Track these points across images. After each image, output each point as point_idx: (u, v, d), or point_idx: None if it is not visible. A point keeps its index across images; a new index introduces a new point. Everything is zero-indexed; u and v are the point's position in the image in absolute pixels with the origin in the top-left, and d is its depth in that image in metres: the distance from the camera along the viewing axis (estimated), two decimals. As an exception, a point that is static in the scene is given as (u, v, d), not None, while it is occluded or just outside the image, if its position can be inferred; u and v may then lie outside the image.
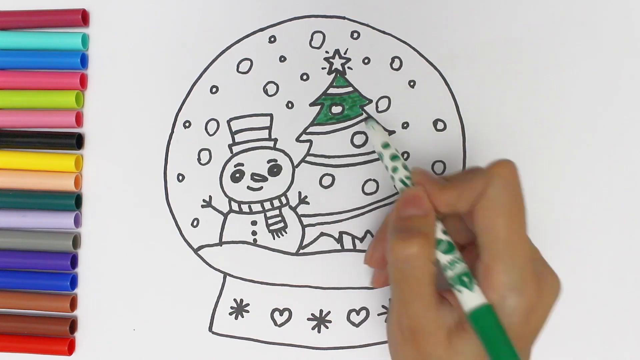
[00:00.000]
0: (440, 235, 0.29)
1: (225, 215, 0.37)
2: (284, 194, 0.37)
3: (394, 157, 0.33)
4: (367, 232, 0.37)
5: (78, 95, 0.38)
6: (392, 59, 0.37)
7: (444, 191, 0.29)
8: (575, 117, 0.37)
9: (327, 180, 0.37)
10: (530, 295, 0.26)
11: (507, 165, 0.28)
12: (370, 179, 0.37)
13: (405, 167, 0.32)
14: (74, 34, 0.38)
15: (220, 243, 0.37)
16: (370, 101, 0.37)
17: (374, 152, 0.37)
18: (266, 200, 0.37)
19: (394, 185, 0.32)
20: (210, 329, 0.37)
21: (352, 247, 0.37)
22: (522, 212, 0.28)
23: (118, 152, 0.38)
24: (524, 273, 0.27)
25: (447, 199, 0.29)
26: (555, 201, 0.36)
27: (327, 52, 0.38)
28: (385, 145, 0.33)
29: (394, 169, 0.32)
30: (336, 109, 0.37)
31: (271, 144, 0.37)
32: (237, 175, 0.37)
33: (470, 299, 0.27)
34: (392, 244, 0.28)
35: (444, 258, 0.28)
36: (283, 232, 0.37)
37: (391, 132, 0.37)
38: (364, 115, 0.37)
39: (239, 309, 0.37)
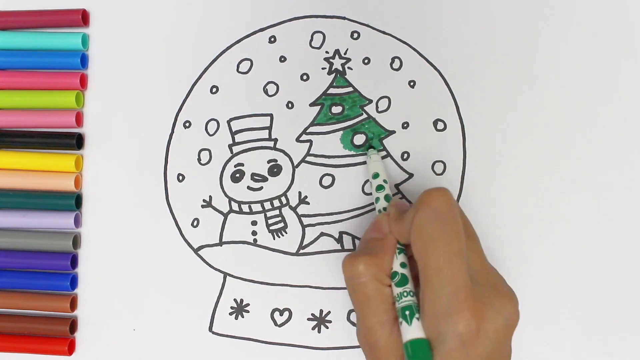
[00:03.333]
0: (396, 267, 0.30)
1: (226, 215, 0.37)
2: (284, 194, 0.37)
3: (379, 188, 0.34)
4: (367, 232, 0.37)
5: (78, 95, 0.38)
6: (392, 59, 0.37)
7: (396, 222, 0.31)
8: (575, 117, 0.37)
9: (327, 180, 0.37)
10: (464, 322, 0.26)
11: (434, 193, 0.29)
12: (370, 179, 0.37)
13: (387, 198, 0.34)
14: (74, 34, 0.38)
15: (221, 243, 0.37)
16: (370, 101, 0.37)
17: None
18: (266, 200, 0.37)
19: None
20: (210, 329, 0.37)
21: (352, 247, 0.37)
22: (453, 239, 0.27)
23: (118, 152, 0.38)
24: (457, 298, 0.26)
25: (398, 230, 0.31)
26: (555, 201, 0.36)
27: (327, 52, 0.38)
28: (375, 176, 0.35)
29: (376, 199, 0.34)
30: (336, 109, 0.37)
31: (271, 144, 0.37)
32: (237, 175, 0.37)
33: (407, 332, 0.28)
34: (343, 262, 0.30)
35: (395, 290, 0.29)
36: (283, 232, 0.37)
37: (391, 132, 0.37)
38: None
39: (239, 309, 0.37)
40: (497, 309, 0.27)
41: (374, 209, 0.37)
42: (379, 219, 0.32)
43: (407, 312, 0.28)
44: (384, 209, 0.33)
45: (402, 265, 0.30)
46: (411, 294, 0.29)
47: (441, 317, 0.26)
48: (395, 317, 0.29)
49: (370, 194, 0.37)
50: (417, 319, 0.28)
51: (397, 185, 0.37)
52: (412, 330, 0.27)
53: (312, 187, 0.37)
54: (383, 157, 0.37)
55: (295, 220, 0.37)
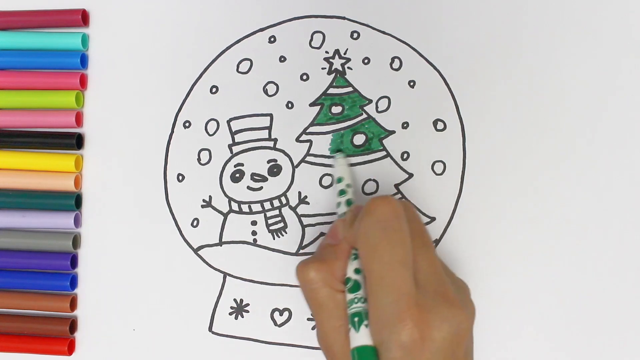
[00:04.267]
0: (350, 273, 0.30)
1: (225, 215, 0.37)
2: (284, 194, 0.37)
3: (341, 193, 0.34)
4: (367, 232, 0.37)
5: (78, 95, 0.38)
6: (392, 59, 0.37)
7: (348, 229, 0.31)
8: (574, 116, 0.37)
9: (327, 180, 0.37)
10: (406, 331, 0.26)
11: (379, 202, 0.29)
12: (370, 179, 0.37)
13: (348, 203, 0.34)
14: (74, 34, 0.38)
15: (220, 243, 0.37)
16: (370, 101, 0.37)
17: (374, 152, 0.37)
18: (266, 200, 0.37)
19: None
20: (210, 329, 0.37)
21: (352, 247, 0.37)
22: (397, 247, 0.27)
23: (118, 152, 0.38)
24: (399, 307, 0.26)
25: (349, 236, 0.30)
26: (555, 201, 0.36)
27: (327, 52, 0.38)
28: (339, 180, 0.35)
29: (338, 204, 0.34)
30: (336, 109, 0.37)
31: (271, 144, 0.37)
32: (237, 175, 0.37)
33: (355, 338, 0.27)
34: (296, 268, 0.30)
35: (348, 296, 0.29)
36: (283, 232, 0.37)
37: (391, 132, 0.37)
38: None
39: (239, 309, 0.37)
40: (445, 318, 0.26)
41: (373, 209, 0.37)
42: (335, 225, 0.32)
43: (355, 319, 0.28)
44: (344, 214, 0.33)
45: (356, 271, 0.30)
46: (362, 300, 0.28)
47: (384, 326, 0.26)
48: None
49: (371, 193, 0.37)
50: (366, 325, 0.27)
51: (396, 185, 0.37)
52: (359, 337, 0.27)
53: (312, 187, 0.37)
54: (383, 157, 0.37)
55: (295, 220, 0.37)
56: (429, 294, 0.27)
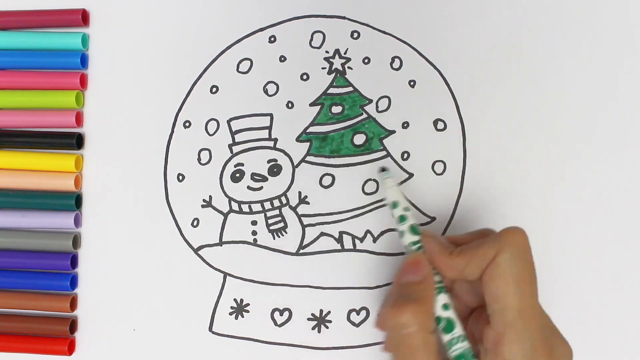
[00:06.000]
0: (439, 311, 0.29)
1: (226, 215, 0.37)
2: (284, 194, 0.37)
3: (401, 219, 0.32)
4: (367, 232, 0.37)
5: (78, 95, 0.38)
6: (392, 59, 0.37)
7: (452, 257, 0.29)
8: (575, 116, 0.37)
9: (327, 180, 0.37)
10: None
11: (519, 234, 0.28)
12: (370, 179, 0.37)
13: (414, 230, 0.31)
14: (74, 34, 0.38)
15: (221, 243, 0.37)
16: (370, 101, 0.37)
17: (374, 151, 0.37)
18: (266, 200, 0.37)
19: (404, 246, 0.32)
20: (210, 329, 0.37)
21: (352, 247, 0.37)
22: (533, 281, 0.28)
23: (118, 152, 0.38)
24: (536, 343, 0.26)
25: (455, 265, 0.29)
26: (555, 201, 0.36)
27: (327, 52, 0.38)
28: (394, 205, 0.32)
29: (401, 233, 0.32)
30: (336, 109, 0.37)
31: (271, 144, 0.37)
32: (237, 175, 0.37)
33: None
34: (387, 311, 0.28)
35: (444, 337, 0.28)
36: (283, 232, 0.37)
37: (391, 132, 0.37)
38: (380, 163, 0.36)
39: (239, 309, 0.37)
40: (562, 353, 0.28)
41: (374, 209, 0.37)
42: (416, 259, 0.30)
43: None
44: (413, 242, 0.31)
45: (445, 307, 0.28)
46: (461, 339, 0.28)
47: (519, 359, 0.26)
48: None
49: (371, 193, 0.37)
50: None
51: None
52: None
53: (312, 187, 0.37)
54: (383, 157, 0.37)
55: (295, 220, 0.37)
56: (546, 329, 0.28)
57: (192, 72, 0.38)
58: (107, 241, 0.38)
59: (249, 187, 0.37)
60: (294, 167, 0.37)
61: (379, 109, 0.37)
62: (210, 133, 0.38)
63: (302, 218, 0.37)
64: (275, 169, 0.37)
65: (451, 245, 0.30)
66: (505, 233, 0.28)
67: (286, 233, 0.37)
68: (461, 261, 0.29)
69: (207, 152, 0.38)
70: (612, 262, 0.36)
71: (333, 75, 0.38)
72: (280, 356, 0.36)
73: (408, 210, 0.32)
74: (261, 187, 0.37)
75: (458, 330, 0.28)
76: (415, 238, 0.31)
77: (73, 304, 0.37)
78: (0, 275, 0.37)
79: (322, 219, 0.37)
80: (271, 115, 0.38)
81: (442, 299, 0.29)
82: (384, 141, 0.37)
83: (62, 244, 0.37)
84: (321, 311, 0.36)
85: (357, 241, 0.37)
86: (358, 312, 0.36)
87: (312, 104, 0.38)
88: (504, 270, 0.27)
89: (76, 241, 0.38)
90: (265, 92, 0.38)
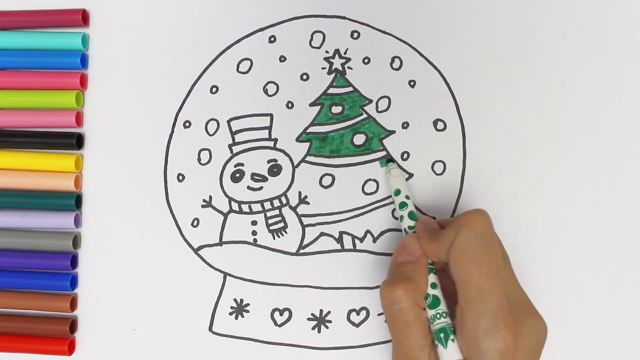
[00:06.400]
0: (428, 289, 0.30)
1: (226, 215, 0.37)
2: (284, 194, 0.37)
3: (402, 205, 0.34)
4: (367, 232, 0.37)
5: (78, 95, 0.38)
6: (392, 59, 0.37)
7: (430, 242, 0.31)
8: (575, 116, 0.37)
9: (327, 180, 0.37)
10: (504, 339, 0.27)
11: (476, 214, 0.30)
12: (370, 179, 0.37)
13: (411, 216, 0.34)
14: (74, 34, 0.38)
15: (221, 243, 0.37)
16: (370, 101, 0.37)
17: (374, 151, 0.37)
18: (266, 200, 0.37)
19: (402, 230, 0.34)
20: (210, 329, 0.37)
21: (352, 247, 0.37)
22: (493, 259, 0.29)
23: (118, 152, 0.38)
24: (497, 317, 0.27)
25: (431, 249, 0.31)
26: (555, 200, 0.36)
27: (327, 52, 0.38)
28: (397, 192, 0.35)
29: (401, 218, 0.34)
30: (336, 109, 0.37)
31: (271, 144, 0.37)
32: (237, 175, 0.37)
33: (444, 355, 0.28)
34: (381, 289, 0.30)
35: (429, 312, 0.30)
36: (283, 232, 0.37)
37: (391, 132, 0.37)
38: (382, 155, 0.37)
39: (239, 309, 0.37)
40: (532, 328, 0.28)
41: (374, 209, 0.37)
42: (408, 241, 0.32)
43: (441, 335, 0.29)
44: (410, 227, 0.33)
45: (433, 286, 0.30)
46: (444, 315, 0.29)
47: (483, 335, 0.27)
48: (432, 339, 0.29)
49: (371, 193, 0.37)
50: (453, 340, 0.28)
51: (397, 185, 0.37)
52: (449, 353, 0.28)
53: (312, 187, 0.37)
54: (383, 158, 0.37)
55: (295, 220, 0.37)
56: (516, 305, 0.29)
57: (192, 72, 0.38)
58: (107, 241, 0.38)
59: (249, 187, 0.37)
60: (294, 167, 0.37)
61: (379, 109, 0.37)
62: (210, 133, 0.38)
63: (302, 218, 0.37)
64: (275, 169, 0.37)
65: (436, 230, 0.32)
66: (463, 216, 0.30)
67: (286, 233, 0.37)
68: (435, 245, 0.31)
69: (207, 152, 0.38)
70: (613, 261, 0.36)
71: (333, 75, 0.38)
72: (280, 356, 0.36)
73: (409, 198, 0.34)
74: (261, 187, 0.37)
75: (442, 307, 0.30)
76: (412, 223, 0.33)
77: (73, 304, 0.37)
78: (0, 275, 0.37)
79: (322, 219, 0.37)
80: (271, 115, 0.38)
81: (432, 278, 0.31)
82: (384, 141, 0.37)
83: (62, 244, 0.37)
84: (321, 311, 0.36)
85: (357, 241, 0.37)
86: (358, 312, 0.36)
87: (312, 104, 0.38)
88: (461, 251, 0.29)
89: (76, 241, 0.38)
90: (265, 92, 0.38)
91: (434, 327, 0.29)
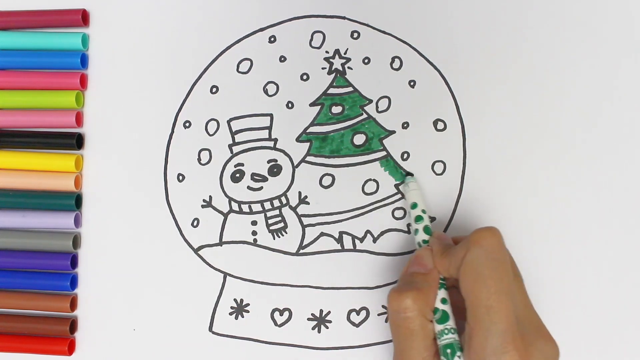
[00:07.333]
0: (438, 303, 0.30)
1: (226, 215, 0.37)
2: (284, 194, 0.37)
3: (418, 219, 0.34)
4: (367, 232, 0.37)
5: (78, 95, 0.38)
6: (392, 59, 0.37)
7: (442, 257, 0.31)
8: (575, 116, 0.37)
9: (327, 180, 0.37)
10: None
11: (486, 233, 0.30)
12: (370, 179, 0.37)
13: (427, 230, 0.34)
14: (74, 34, 0.38)
15: (221, 243, 0.37)
16: (371, 101, 0.37)
17: (374, 151, 0.37)
18: (266, 200, 0.37)
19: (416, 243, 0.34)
20: (210, 329, 0.37)
21: (352, 247, 0.37)
22: (503, 277, 0.28)
23: (118, 152, 0.38)
24: (505, 337, 0.27)
25: (443, 264, 0.31)
26: (555, 201, 0.36)
27: (327, 52, 0.38)
28: (414, 206, 0.35)
29: (415, 231, 0.34)
30: (336, 109, 0.37)
31: (271, 144, 0.37)
32: (237, 175, 0.37)
33: None
34: (389, 295, 0.30)
35: (437, 327, 0.30)
36: (283, 232, 0.37)
37: (391, 132, 0.37)
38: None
39: (239, 309, 0.37)
40: (542, 350, 0.28)
41: (374, 209, 0.37)
42: (422, 253, 0.32)
43: (448, 351, 0.29)
44: (424, 241, 0.33)
45: (443, 301, 0.30)
46: (452, 331, 0.29)
47: (490, 355, 0.27)
48: (435, 352, 0.29)
49: (371, 193, 0.37)
50: (459, 357, 0.28)
51: (396, 185, 0.37)
52: None
53: (312, 187, 0.37)
54: (383, 157, 0.37)
55: (295, 220, 0.37)
56: (526, 326, 0.28)
57: (192, 72, 0.38)
58: (107, 241, 0.38)
59: (249, 187, 0.37)
60: (294, 167, 0.37)
61: (379, 109, 0.37)
62: (210, 133, 0.38)
63: (302, 218, 0.37)
64: (275, 169, 0.37)
65: (451, 245, 0.32)
66: (474, 233, 0.30)
67: (286, 233, 0.37)
68: (446, 261, 0.31)
69: (207, 152, 0.38)
70: (613, 261, 0.36)
71: (333, 75, 0.38)
72: (280, 356, 0.36)
73: (425, 212, 0.34)
74: (261, 187, 0.37)
75: (451, 323, 0.30)
76: (427, 237, 0.33)
77: (73, 304, 0.37)
78: (0, 275, 0.37)
79: (322, 219, 0.37)
80: (271, 115, 0.38)
81: (442, 293, 0.31)
82: (384, 141, 0.37)
83: (62, 244, 0.37)
84: (321, 311, 0.36)
85: (357, 241, 0.37)
86: (358, 312, 0.36)
87: (312, 104, 0.38)
88: (470, 268, 0.29)
89: (76, 241, 0.38)
90: (265, 92, 0.38)
91: (441, 342, 0.29)
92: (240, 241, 0.37)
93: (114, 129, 0.38)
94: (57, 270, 0.37)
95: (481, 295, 0.28)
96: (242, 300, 0.37)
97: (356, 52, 0.38)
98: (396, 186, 0.37)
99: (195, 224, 0.37)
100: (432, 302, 0.30)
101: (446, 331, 0.29)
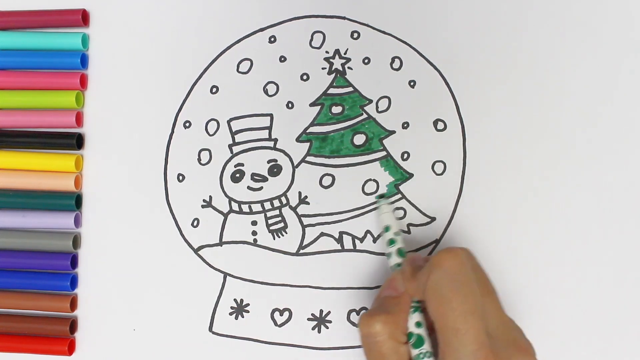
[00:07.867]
0: (412, 327, 0.30)
1: (226, 215, 0.37)
2: (284, 194, 0.37)
3: (390, 242, 0.34)
4: (367, 232, 0.37)
5: (78, 95, 0.38)
6: (392, 59, 0.37)
7: (411, 280, 0.31)
8: (575, 116, 0.37)
9: (327, 180, 0.37)
10: None
11: (447, 255, 0.29)
12: (370, 179, 0.37)
13: (400, 252, 0.33)
14: (74, 34, 0.38)
15: (221, 243, 0.37)
16: (370, 101, 0.37)
17: (374, 152, 0.37)
18: (266, 200, 0.37)
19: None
20: (210, 329, 0.37)
21: (352, 247, 0.37)
22: (468, 299, 0.28)
23: (118, 152, 0.38)
24: (477, 358, 0.26)
25: (412, 288, 0.31)
26: (555, 201, 0.36)
27: (327, 52, 0.38)
28: (386, 229, 0.35)
29: (389, 255, 0.34)
30: (336, 109, 0.37)
31: (271, 144, 0.37)
32: (237, 175, 0.37)
33: None
34: (359, 319, 0.30)
35: (413, 352, 0.29)
36: (283, 232, 0.37)
37: (391, 132, 0.37)
38: (379, 197, 0.37)
39: (239, 309, 0.37)
40: None
41: (374, 209, 0.37)
42: (394, 277, 0.32)
43: None
44: (398, 265, 0.33)
45: (418, 324, 0.30)
46: (428, 354, 0.29)
47: None
48: None
49: (371, 193, 0.37)
50: None
51: (396, 186, 0.37)
52: None
53: (312, 187, 0.37)
54: (383, 157, 0.37)
55: (295, 220, 0.37)
56: (500, 341, 0.28)
57: (192, 72, 0.38)
58: (107, 241, 0.38)
59: (249, 187, 0.37)
60: (294, 167, 0.37)
61: (379, 109, 0.37)
62: (211, 133, 0.38)
63: (302, 218, 0.37)
64: (275, 169, 0.37)
65: (421, 268, 0.31)
66: (435, 256, 0.29)
67: (286, 233, 0.37)
68: (414, 285, 0.30)
69: (207, 152, 0.38)
70: (613, 262, 0.36)
71: (333, 75, 0.38)
72: (280, 356, 0.36)
73: (398, 235, 0.34)
74: (261, 187, 0.37)
75: (426, 346, 0.29)
76: (400, 260, 0.33)
77: (73, 304, 0.37)
78: (0, 275, 0.37)
79: (322, 219, 0.37)
80: (271, 115, 0.38)
81: (416, 317, 0.30)
82: (384, 141, 0.37)
83: (62, 244, 0.37)
84: (321, 311, 0.36)
85: (357, 241, 0.37)
86: (358, 312, 0.36)
87: (312, 104, 0.38)
88: (434, 291, 0.28)
89: (76, 241, 0.38)
90: (265, 92, 0.38)
91: None
92: (240, 241, 0.37)
93: (114, 129, 0.38)
94: (57, 270, 0.37)
95: (447, 317, 0.27)
96: (242, 301, 0.37)
97: (356, 52, 0.38)
98: (396, 186, 0.37)
99: (195, 224, 0.37)
100: (403, 325, 0.30)
101: (422, 355, 0.29)
